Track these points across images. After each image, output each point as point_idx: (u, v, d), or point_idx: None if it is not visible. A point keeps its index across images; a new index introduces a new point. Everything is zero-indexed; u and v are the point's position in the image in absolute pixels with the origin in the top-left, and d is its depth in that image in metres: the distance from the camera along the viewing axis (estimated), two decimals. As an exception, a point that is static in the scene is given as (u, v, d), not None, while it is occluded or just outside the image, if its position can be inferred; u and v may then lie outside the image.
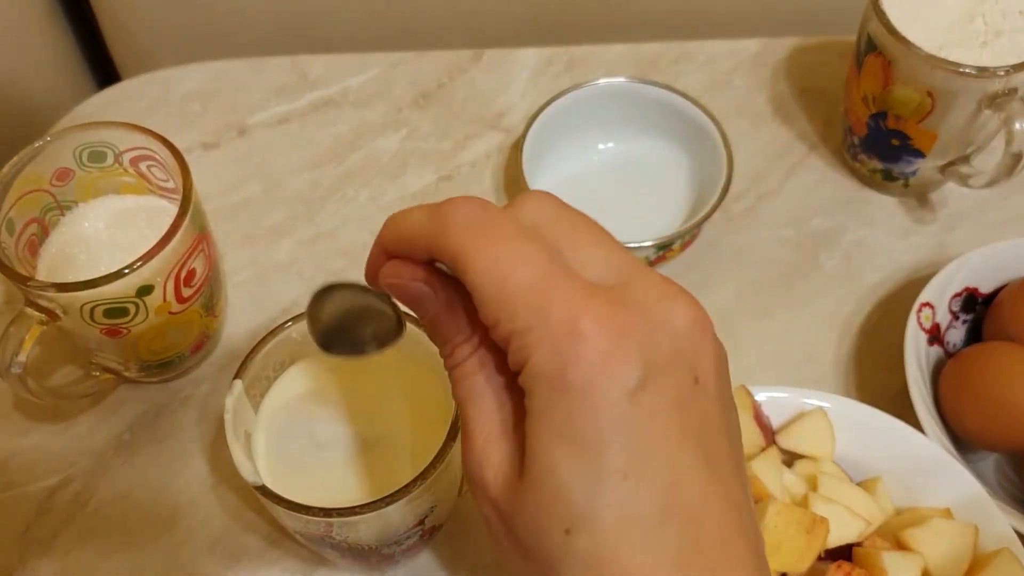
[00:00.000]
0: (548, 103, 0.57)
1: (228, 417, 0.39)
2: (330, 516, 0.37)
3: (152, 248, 0.43)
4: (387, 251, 0.29)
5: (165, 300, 0.45)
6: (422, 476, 0.38)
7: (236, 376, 0.40)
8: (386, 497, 0.37)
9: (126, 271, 0.43)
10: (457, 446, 0.39)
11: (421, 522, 0.41)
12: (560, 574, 0.25)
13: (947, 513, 0.44)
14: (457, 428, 0.39)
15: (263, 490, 0.38)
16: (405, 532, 0.41)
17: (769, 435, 0.47)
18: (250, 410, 0.41)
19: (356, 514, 0.37)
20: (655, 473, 0.25)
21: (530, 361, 0.25)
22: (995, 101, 0.51)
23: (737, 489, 0.26)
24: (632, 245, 0.52)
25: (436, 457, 0.38)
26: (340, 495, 0.40)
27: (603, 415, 0.24)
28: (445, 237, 0.26)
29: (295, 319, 0.42)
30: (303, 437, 0.42)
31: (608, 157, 0.59)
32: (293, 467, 0.41)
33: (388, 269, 0.29)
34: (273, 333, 0.41)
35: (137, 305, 0.44)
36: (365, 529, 0.39)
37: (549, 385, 0.25)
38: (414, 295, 0.29)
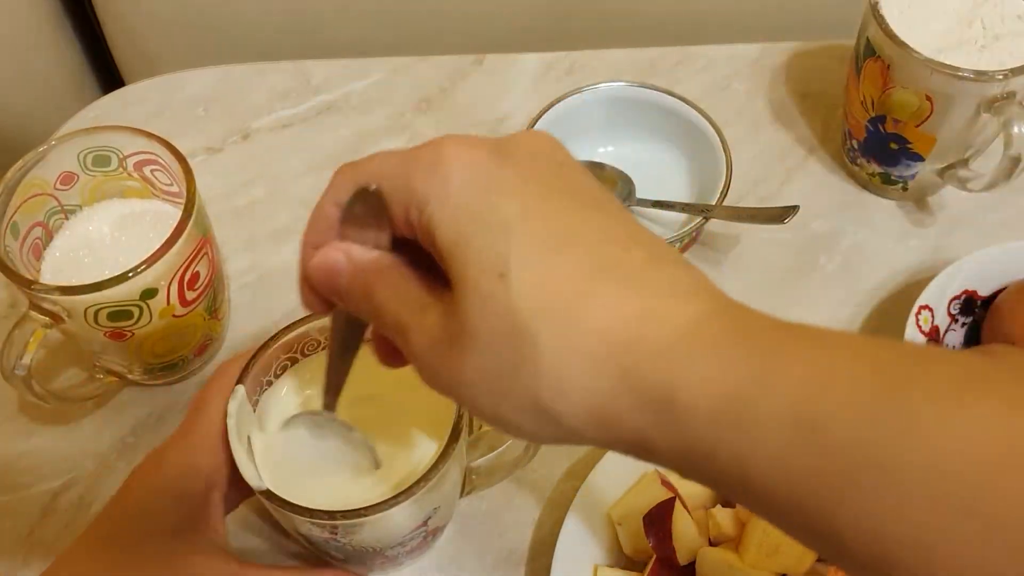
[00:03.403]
0: (549, 107, 0.57)
1: (231, 423, 0.39)
2: (334, 519, 0.37)
3: (156, 252, 0.43)
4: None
5: (169, 303, 0.46)
6: (425, 477, 0.38)
7: (238, 381, 0.40)
8: (390, 499, 0.37)
9: (130, 274, 0.43)
10: (460, 447, 0.39)
11: (424, 523, 0.42)
12: (510, 317, 0.26)
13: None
14: (460, 429, 0.39)
15: (267, 494, 0.38)
16: (409, 534, 0.41)
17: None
18: (252, 414, 0.41)
19: (360, 516, 0.37)
20: (549, 214, 0.27)
21: (432, 219, 0.28)
22: (993, 105, 0.51)
23: (640, 230, 0.28)
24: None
25: (439, 458, 0.38)
26: (343, 497, 0.40)
27: (475, 192, 0.28)
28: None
29: (296, 324, 0.42)
30: (304, 439, 0.42)
31: (608, 161, 0.60)
32: (295, 470, 0.41)
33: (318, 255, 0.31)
34: (275, 338, 0.42)
35: (141, 308, 0.45)
36: (369, 531, 0.39)
37: (440, 212, 0.28)
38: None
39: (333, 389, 0.36)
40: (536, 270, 0.26)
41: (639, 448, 0.26)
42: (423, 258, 0.30)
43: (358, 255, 0.31)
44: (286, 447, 0.42)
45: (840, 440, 0.23)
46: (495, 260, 0.27)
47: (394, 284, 0.30)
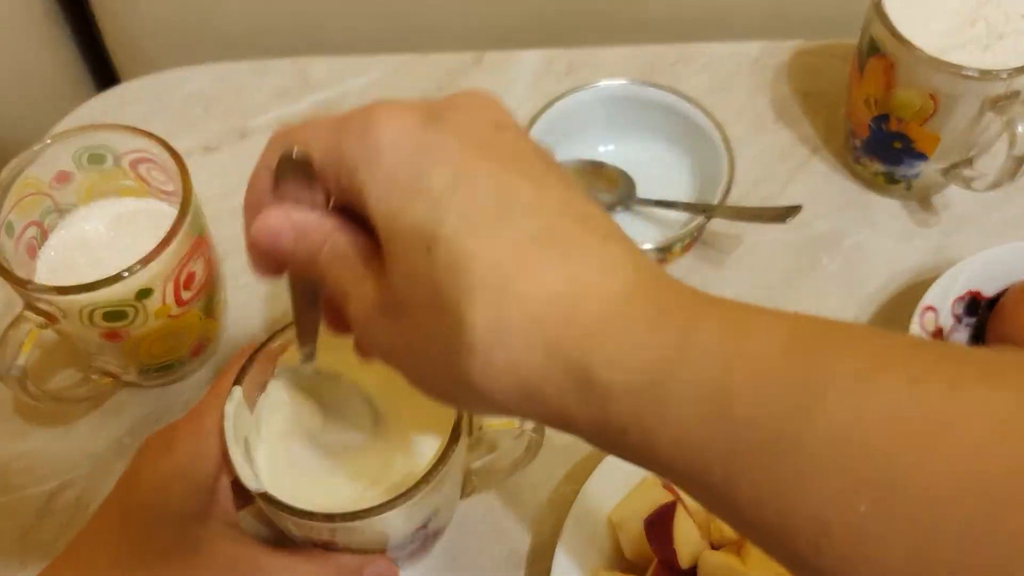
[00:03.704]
0: (549, 105, 0.57)
1: (228, 424, 0.39)
2: (333, 521, 0.37)
3: (152, 251, 0.43)
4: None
5: (165, 303, 0.45)
6: (425, 479, 0.37)
7: (235, 383, 0.40)
8: (389, 501, 0.37)
9: (125, 274, 0.42)
10: (460, 449, 0.39)
11: (424, 526, 0.41)
12: (437, 291, 0.26)
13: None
14: (459, 431, 0.39)
15: (265, 497, 0.38)
16: (409, 536, 0.41)
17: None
18: (249, 415, 0.41)
19: (359, 519, 0.37)
20: (481, 182, 0.27)
21: (362, 188, 0.28)
22: (997, 104, 0.50)
23: (577, 199, 0.28)
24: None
25: (439, 460, 0.38)
26: (342, 499, 0.39)
27: (405, 159, 0.27)
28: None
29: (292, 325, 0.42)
30: (302, 440, 0.42)
31: (609, 160, 0.59)
32: (293, 471, 0.41)
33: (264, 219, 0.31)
34: (272, 338, 0.41)
35: (137, 308, 0.44)
36: (368, 533, 0.39)
37: (370, 182, 0.28)
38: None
39: (307, 339, 0.37)
40: (463, 244, 0.26)
41: (561, 422, 0.27)
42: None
43: (299, 217, 0.30)
44: (285, 450, 0.41)
45: (746, 414, 0.23)
46: (422, 233, 0.26)
47: (335, 248, 0.30)
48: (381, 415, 0.42)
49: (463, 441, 0.39)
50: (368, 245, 0.29)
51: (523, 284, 0.26)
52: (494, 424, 0.42)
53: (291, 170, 0.30)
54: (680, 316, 0.25)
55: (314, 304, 0.35)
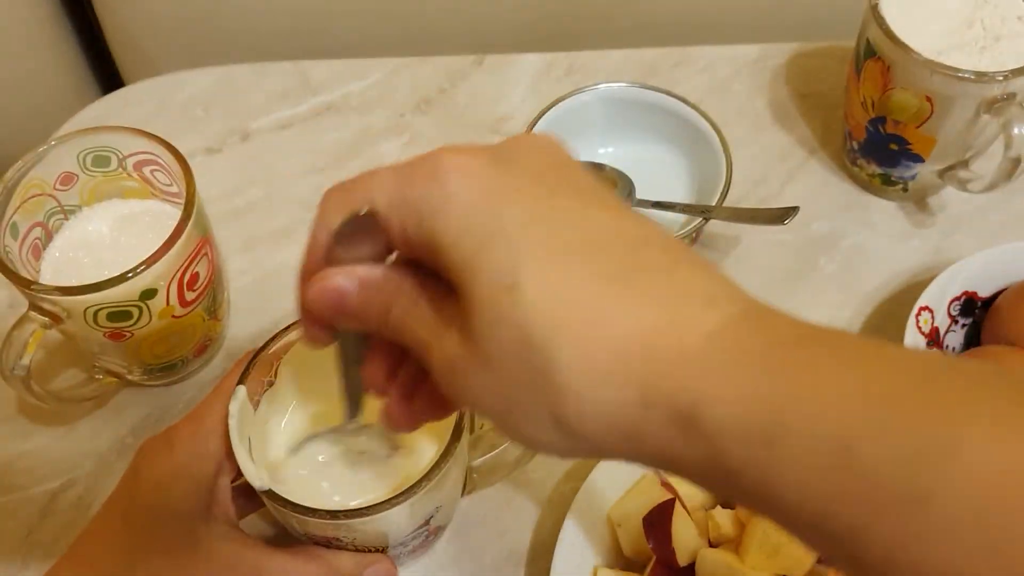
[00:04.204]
0: (549, 108, 0.57)
1: (232, 423, 0.39)
2: (337, 518, 0.37)
3: (156, 252, 0.43)
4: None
5: (168, 304, 0.46)
6: (427, 476, 0.38)
7: (239, 382, 0.40)
8: (392, 498, 0.37)
9: (129, 275, 0.43)
10: (462, 447, 0.39)
11: (427, 523, 0.42)
12: (523, 333, 0.25)
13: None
14: (462, 427, 0.39)
15: (270, 494, 0.38)
16: (411, 533, 0.41)
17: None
18: (252, 414, 0.41)
19: (363, 516, 0.37)
20: (558, 218, 0.26)
21: (434, 233, 0.27)
22: (994, 106, 0.51)
23: (656, 230, 0.27)
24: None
25: (441, 457, 0.38)
26: (345, 496, 0.40)
27: (477, 202, 0.26)
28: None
29: (297, 323, 0.42)
30: (305, 438, 0.42)
31: (608, 162, 0.59)
32: (296, 469, 0.41)
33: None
34: (275, 338, 0.42)
35: (140, 309, 0.45)
36: (371, 531, 0.39)
37: (442, 226, 0.27)
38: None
39: (354, 398, 0.36)
40: (546, 280, 0.25)
41: (665, 463, 0.25)
42: (430, 270, 0.29)
43: (365, 274, 0.30)
44: (288, 448, 0.42)
45: (874, 465, 0.21)
46: (502, 272, 0.25)
47: (409, 302, 0.29)
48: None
49: (465, 439, 0.40)
50: (442, 295, 0.28)
51: (611, 319, 0.25)
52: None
53: (355, 227, 0.29)
54: (791, 351, 0.24)
55: (360, 362, 0.34)
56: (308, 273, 0.30)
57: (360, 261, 0.30)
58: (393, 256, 0.30)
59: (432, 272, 0.29)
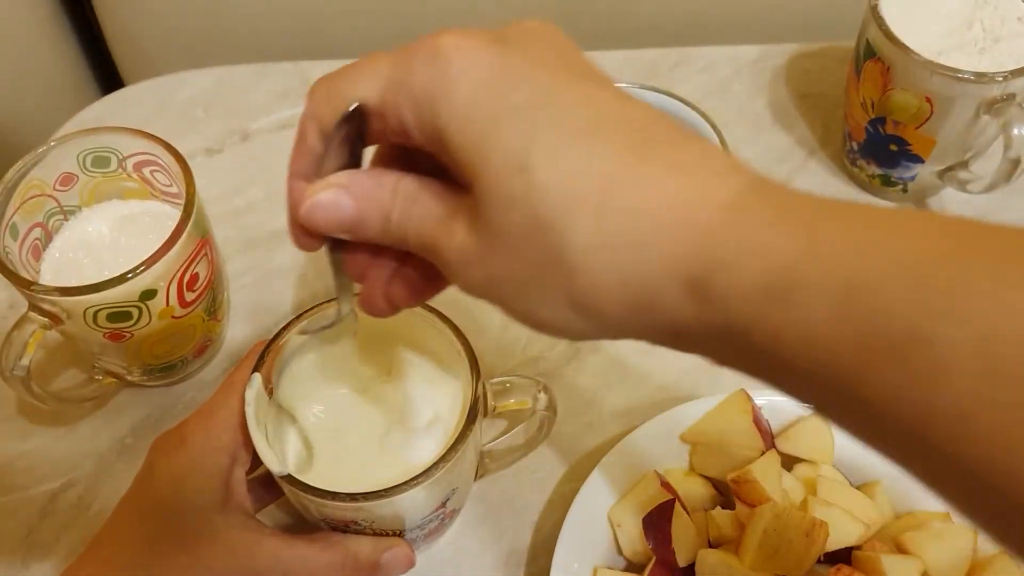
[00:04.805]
0: (549, 108, 0.57)
1: (249, 411, 0.39)
2: (356, 500, 0.37)
3: (155, 253, 0.43)
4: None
5: (168, 304, 0.46)
6: (444, 458, 0.38)
7: (255, 370, 0.40)
8: (410, 480, 0.37)
9: (129, 275, 0.43)
10: (477, 428, 0.40)
11: (443, 505, 0.42)
12: (536, 213, 0.25)
13: (946, 517, 0.45)
14: (476, 411, 0.39)
15: (289, 479, 0.38)
16: (429, 515, 0.42)
17: (768, 439, 0.47)
18: (267, 402, 0.41)
19: (383, 497, 0.37)
20: (566, 97, 0.26)
21: (438, 118, 0.26)
22: (993, 106, 0.51)
23: (659, 112, 0.27)
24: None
25: (457, 439, 0.39)
26: (362, 479, 0.40)
27: (484, 83, 0.26)
28: None
29: (309, 312, 0.42)
30: (319, 423, 0.42)
31: (608, 162, 0.60)
32: (312, 454, 0.41)
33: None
34: (288, 326, 0.42)
35: (140, 309, 0.45)
36: (390, 513, 0.40)
37: (447, 110, 0.26)
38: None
39: (346, 300, 0.36)
40: (558, 160, 0.25)
41: (672, 333, 0.26)
42: (422, 160, 0.29)
43: (357, 185, 0.29)
44: (303, 433, 0.42)
45: (886, 308, 0.22)
46: (513, 155, 0.25)
47: (408, 204, 0.28)
48: (397, 394, 0.43)
49: (479, 421, 0.40)
50: (441, 189, 0.28)
51: (628, 196, 0.25)
52: (508, 405, 0.42)
53: (349, 125, 0.28)
54: (805, 212, 0.24)
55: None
56: (297, 175, 0.30)
57: (346, 162, 0.29)
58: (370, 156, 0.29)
59: (426, 167, 0.28)
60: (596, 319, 0.26)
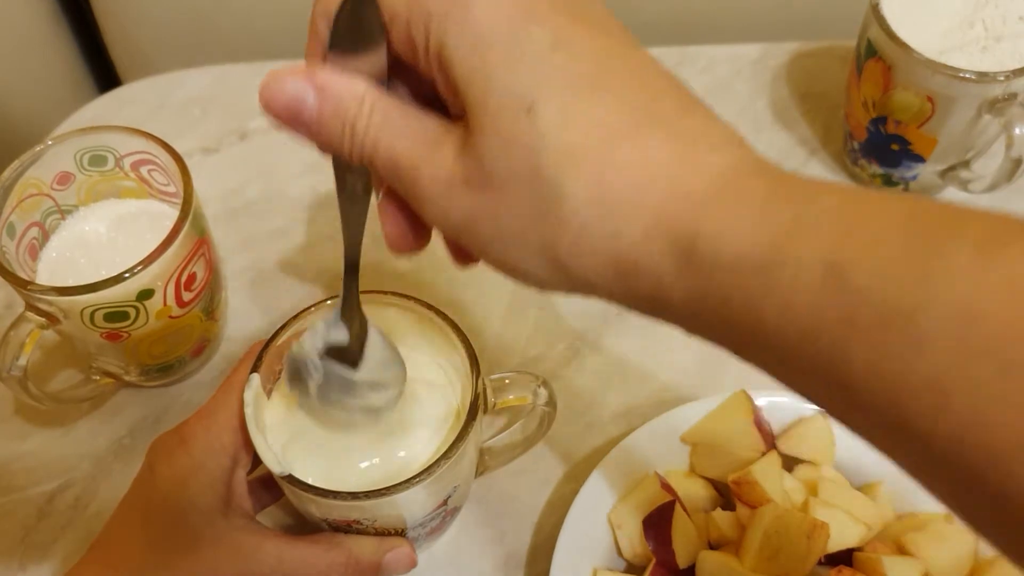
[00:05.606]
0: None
1: (248, 411, 0.39)
2: (358, 499, 0.37)
3: (153, 252, 0.43)
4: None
5: (165, 304, 0.45)
6: (446, 455, 0.38)
7: (253, 370, 0.40)
8: (412, 478, 0.37)
9: (127, 275, 0.43)
10: (478, 425, 0.39)
11: (444, 503, 0.42)
12: (535, 157, 0.25)
13: (948, 518, 0.44)
14: (476, 408, 0.39)
15: (290, 479, 0.38)
16: (430, 513, 0.41)
17: (769, 440, 0.47)
18: (266, 402, 0.41)
19: (384, 496, 0.37)
20: (581, 45, 0.26)
21: (447, 42, 0.26)
22: (995, 106, 0.51)
23: (671, 76, 0.27)
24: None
25: (458, 438, 0.39)
26: (363, 478, 0.40)
27: (500, 16, 0.25)
28: None
29: (307, 311, 0.42)
30: (317, 425, 0.42)
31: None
32: (311, 454, 0.41)
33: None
34: (286, 326, 0.42)
35: (137, 309, 0.44)
36: (391, 512, 0.39)
37: (458, 36, 0.26)
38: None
39: (352, 242, 0.33)
40: (566, 108, 0.25)
41: (651, 298, 0.26)
42: (420, 92, 0.28)
43: (334, 83, 0.27)
44: (302, 434, 0.41)
45: (865, 284, 0.22)
46: (522, 93, 0.25)
47: (389, 114, 0.27)
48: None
49: (480, 418, 0.40)
50: (425, 113, 0.27)
51: (628, 153, 0.25)
52: (508, 401, 0.42)
53: (356, 15, 0.26)
54: (795, 189, 0.24)
55: (359, 203, 0.31)
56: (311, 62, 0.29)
57: (357, 66, 0.27)
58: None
59: (416, 92, 0.28)
60: (575, 275, 0.26)
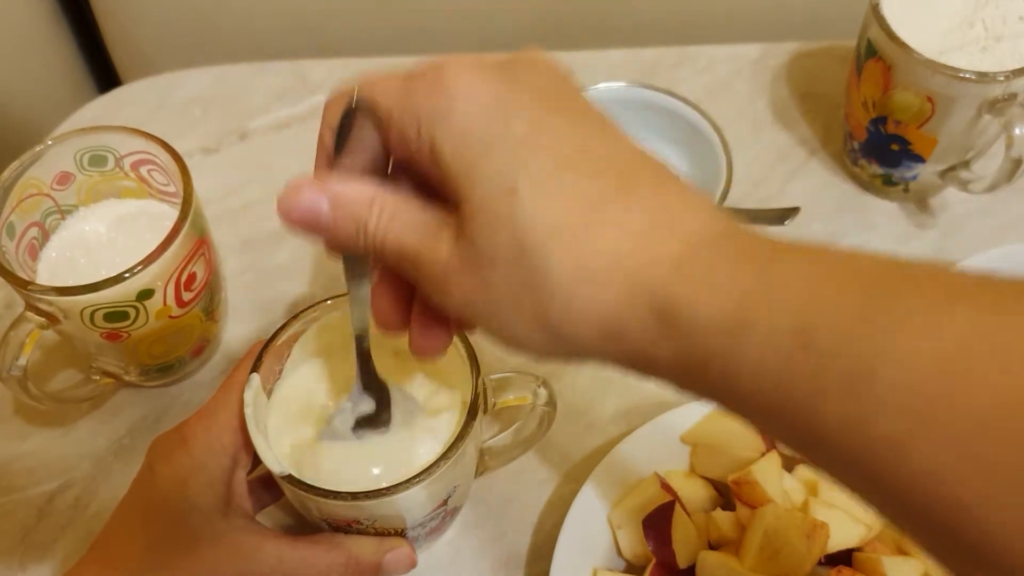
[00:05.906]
0: (548, 108, 0.57)
1: (248, 411, 0.39)
2: (358, 499, 0.37)
3: (152, 252, 0.43)
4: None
5: (165, 304, 0.45)
6: (445, 455, 0.38)
7: (253, 370, 0.40)
8: (412, 478, 0.37)
9: (126, 275, 0.43)
10: (478, 425, 0.39)
11: (444, 503, 0.42)
12: (519, 236, 0.27)
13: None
14: (477, 408, 0.39)
15: (290, 479, 0.38)
16: (430, 514, 0.41)
17: (769, 440, 0.47)
18: (266, 402, 0.41)
19: (384, 496, 0.37)
20: (558, 131, 0.28)
21: (435, 138, 0.28)
22: (995, 106, 0.51)
23: (645, 153, 0.29)
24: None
25: (458, 437, 0.39)
26: (363, 478, 0.40)
27: (482, 110, 0.28)
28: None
29: (305, 311, 0.42)
30: (317, 424, 0.42)
31: (608, 162, 0.59)
32: (311, 454, 0.41)
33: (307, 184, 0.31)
34: (285, 327, 0.42)
35: (137, 309, 0.44)
36: (391, 512, 0.39)
37: (445, 131, 0.28)
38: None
39: (360, 316, 0.36)
40: (546, 188, 0.27)
41: (641, 361, 0.27)
42: (421, 184, 0.30)
43: (345, 192, 0.30)
44: (301, 434, 0.42)
45: (828, 348, 0.23)
46: (504, 177, 0.27)
47: (390, 215, 0.30)
48: (395, 393, 0.42)
49: (480, 417, 0.40)
50: (426, 206, 0.30)
51: (606, 226, 0.27)
52: (508, 401, 0.42)
53: (356, 125, 0.29)
54: (761, 256, 0.26)
55: (364, 284, 0.35)
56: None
57: (363, 167, 0.30)
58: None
59: (418, 184, 0.30)
60: (568, 341, 0.28)
